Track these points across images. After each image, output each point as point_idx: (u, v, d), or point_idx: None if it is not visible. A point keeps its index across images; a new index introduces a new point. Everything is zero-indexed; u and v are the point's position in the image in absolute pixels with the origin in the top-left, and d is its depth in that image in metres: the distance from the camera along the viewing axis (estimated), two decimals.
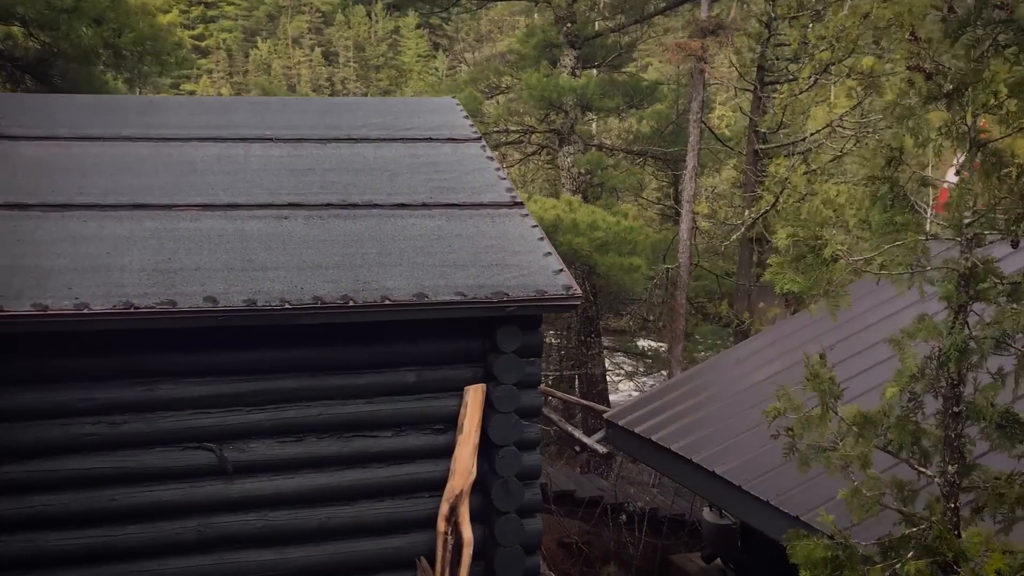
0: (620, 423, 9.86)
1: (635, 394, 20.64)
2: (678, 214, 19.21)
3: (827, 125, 15.21)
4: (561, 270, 6.99)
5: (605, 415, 10.02)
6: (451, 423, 7.01)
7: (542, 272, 6.95)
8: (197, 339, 6.45)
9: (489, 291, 6.68)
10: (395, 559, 6.99)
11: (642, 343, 25.02)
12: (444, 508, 6.90)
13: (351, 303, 6.42)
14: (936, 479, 3.89)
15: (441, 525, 6.90)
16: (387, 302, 6.48)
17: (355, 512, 6.91)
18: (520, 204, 7.84)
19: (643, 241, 14.52)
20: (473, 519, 6.98)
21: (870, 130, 15.52)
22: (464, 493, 6.90)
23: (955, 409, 3.79)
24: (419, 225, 7.42)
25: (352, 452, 6.88)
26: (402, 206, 7.64)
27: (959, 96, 3.40)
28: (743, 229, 15.68)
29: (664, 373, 20.43)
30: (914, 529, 3.73)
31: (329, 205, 7.53)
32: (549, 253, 7.20)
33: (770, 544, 8.48)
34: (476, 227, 7.47)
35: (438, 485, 6.97)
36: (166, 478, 6.52)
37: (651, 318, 19.59)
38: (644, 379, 21.44)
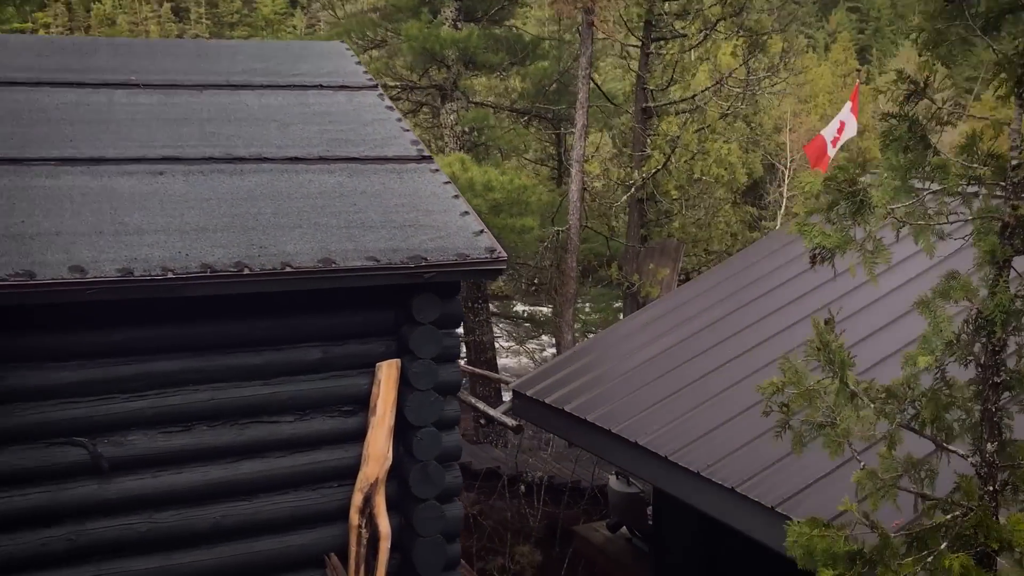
0: (528, 393, 9.42)
1: (525, 361, 20.20)
2: (562, 174, 18.75)
3: (716, 83, 14.97)
4: (482, 231, 6.32)
5: (511, 385, 9.50)
6: (362, 404, 6.32)
7: (461, 233, 6.26)
8: (61, 316, 5.54)
9: (404, 255, 5.95)
10: (300, 558, 6.29)
11: (521, 308, 24.56)
12: (357, 499, 6.18)
13: (246, 271, 5.59)
14: (970, 459, 3.47)
15: (354, 518, 6.18)
16: (288, 269, 5.68)
17: (253, 508, 6.17)
18: (429, 158, 7.09)
19: (535, 201, 13.95)
20: (389, 508, 6.30)
21: (757, 88, 15.42)
22: (380, 481, 6.20)
23: (995, 379, 3.37)
24: (317, 181, 6.59)
25: (249, 441, 6.13)
26: (296, 160, 6.78)
27: None
28: (632, 189, 15.32)
29: (550, 337, 20.06)
30: (947, 517, 3.31)
31: (211, 159, 6.60)
32: (467, 212, 6.51)
33: (685, 513, 8.21)
34: (382, 183, 6.69)
35: (349, 473, 6.28)
36: (27, 480, 5.60)
37: (537, 282, 19.11)
38: (532, 345, 21.02)
